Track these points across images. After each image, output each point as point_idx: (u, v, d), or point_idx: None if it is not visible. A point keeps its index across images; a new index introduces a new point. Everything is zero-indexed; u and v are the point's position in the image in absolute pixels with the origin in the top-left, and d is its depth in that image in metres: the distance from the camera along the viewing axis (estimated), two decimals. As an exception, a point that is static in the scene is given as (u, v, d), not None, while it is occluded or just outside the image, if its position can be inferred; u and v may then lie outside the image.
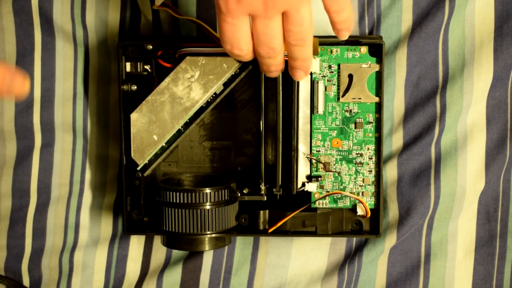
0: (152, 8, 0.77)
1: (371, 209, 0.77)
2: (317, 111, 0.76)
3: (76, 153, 0.80)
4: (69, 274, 0.82)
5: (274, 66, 0.67)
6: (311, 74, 0.76)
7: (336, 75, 0.76)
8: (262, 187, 0.76)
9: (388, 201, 0.80)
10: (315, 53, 0.68)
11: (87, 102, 0.80)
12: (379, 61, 0.75)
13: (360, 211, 0.77)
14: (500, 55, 0.79)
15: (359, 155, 0.77)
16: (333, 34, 0.77)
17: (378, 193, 0.77)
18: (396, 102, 0.79)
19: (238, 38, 0.64)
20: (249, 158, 0.77)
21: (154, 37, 0.79)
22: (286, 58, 0.67)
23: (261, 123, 0.75)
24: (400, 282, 0.82)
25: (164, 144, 0.74)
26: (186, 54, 0.73)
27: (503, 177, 0.81)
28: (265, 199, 0.76)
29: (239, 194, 0.76)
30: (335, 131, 0.77)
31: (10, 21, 0.76)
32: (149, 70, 0.77)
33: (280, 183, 0.75)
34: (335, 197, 0.77)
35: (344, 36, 0.66)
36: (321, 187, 0.77)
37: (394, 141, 0.80)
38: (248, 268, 0.82)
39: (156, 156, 0.75)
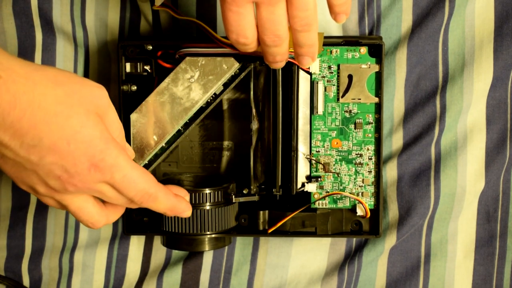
0: (152, 8, 0.77)
1: (370, 210, 0.77)
2: (317, 112, 0.76)
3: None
4: (69, 274, 0.82)
5: (279, 56, 0.66)
6: (310, 75, 0.76)
7: (336, 76, 0.76)
8: (254, 187, 0.76)
9: (388, 201, 0.80)
10: (319, 49, 0.67)
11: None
12: (379, 61, 0.75)
13: (360, 212, 0.77)
14: (500, 55, 0.79)
15: (358, 155, 0.77)
16: (333, 34, 0.78)
17: (378, 194, 0.77)
18: (396, 102, 0.79)
19: (244, 26, 0.63)
20: (249, 158, 0.77)
21: (154, 37, 0.79)
22: (291, 52, 0.67)
23: (254, 123, 0.75)
24: (400, 282, 0.82)
25: (164, 145, 0.74)
26: (186, 54, 0.73)
27: (503, 177, 0.81)
28: (257, 199, 0.76)
29: (233, 195, 0.76)
30: (335, 132, 0.77)
31: (11, 23, 0.76)
32: (149, 70, 0.77)
33: (280, 184, 0.75)
34: (334, 197, 0.77)
35: (342, 20, 0.66)
36: (321, 187, 0.77)
37: (394, 141, 0.80)
38: (248, 268, 0.82)
39: (156, 156, 0.75)
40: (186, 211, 0.69)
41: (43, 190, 0.62)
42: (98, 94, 0.61)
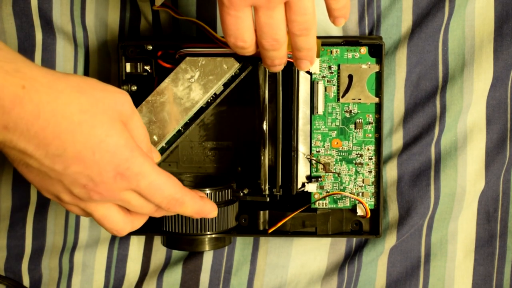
0: (152, 8, 0.77)
1: (371, 210, 0.77)
2: (317, 112, 0.76)
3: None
4: (69, 274, 0.82)
5: (278, 59, 0.66)
6: (311, 75, 0.76)
7: (336, 76, 0.76)
8: (266, 188, 0.75)
9: (388, 201, 0.80)
10: (317, 55, 0.67)
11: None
12: (379, 61, 0.75)
13: (360, 212, 0.77)
14: (500, 55, 0.79)
15: (359, 155, 0.77)
16: (333, 34, 0.78)
17: (378, 194, 0.77)
18: (396, 102, 0.79)
19: (242, 30, 0.63)
20: (249, 158, 0.77)
21: (154, 37, 0.79)
22: (289, 52, 0.67)
23: (265, 124, 0.75)
24: (400, 282, 0.82)
25: (164, 145, 0.74)
26: (186, 54, 0.73)
27: (503, 177, 0.81)
28: (268, 200, 0.76)
29: (242, 194, 0.76)
30: (335, 132, 0.77)
31: (11, 23, 0.76)
32: (149, 70, 0.77)
33: (280, 184, 0.75)
34: (335, 197, 0.77)
35: (340, 24, 0.66)
36: (321, 187, 0.77)
37: (394, 141, 0.80)
38: (248, 268, 0.82)
39: (156, 156, 0.75)
40: (212, 211, 0.69)
41: (68, 198, 0.61)
42: (121, 101, 0.61)
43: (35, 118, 0.56)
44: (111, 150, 0.59)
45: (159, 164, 0.76)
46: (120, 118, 0.60)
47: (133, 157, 0.60)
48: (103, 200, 0.62)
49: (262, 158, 0.74)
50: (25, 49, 0.76)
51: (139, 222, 0.66)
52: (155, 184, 0.62)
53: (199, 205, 0.67)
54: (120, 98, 0.61)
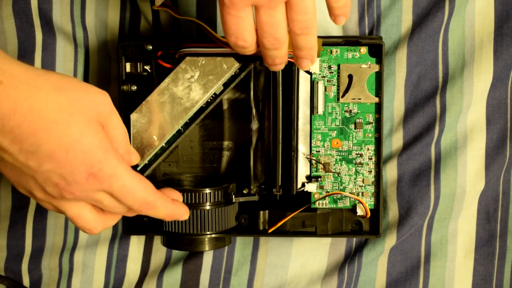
0: (152, 8, 0.77)
1: (371, 210, 0.77)
2: (317, 112, 0.76)
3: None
4: (69, 274, 0.82)
5: (279, 58, 0.66)
6: (311, 74, 0.76)
7: (336, 76, 0.76)
8: (253, 187, 0.76)
9: (388, 201, 0.80)
10: (318, 54, 0.68)
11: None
12: (379, 61, 0.75)
13: (360, 212, 0.77)
14: (500, 55, 0.79)
15: (359, 155, 0.77)
16: (333, 34, 0.78)
17: (378, 194, 0.77)
18: (396, 102, 0.79)
19: (243, 29, 0.63)
20: (249, 158, 0.77)
21: (154, 37, 0.79)
22: (290, 52, 0.67)
23: (253, 123, 0.75)
24: (400, 282, 0.82)
25: (164, 145, 0.74)
26: (186, 54, 0.73)
27: (503, 177, 0.81)
28: (257, 199, 0.76)
29: (233, 195, 0.76)
30: (335, 132, 0.77)
31: (11, 23, 0.76)
32: (149, 70, 0.77)
33: (280, 184, 0.75)
34: (335, 197, 0.77)
35: (341, 22, 0.66)
36: (321, 187, 0.77)
37: (394, 141, 0.80)
38: (248, 268, 0.82)
39: (156, 156, 0.75)
40: (183, 215, 0.69)
41: (40, 195, 0.62)
42: (101, 101, 0.61)
43: (11, 113, 0.56)
44: (84, 150, 0.59)
45: (159, 164, 0.76)
46: (97, 119, 0.60)
47: (107, 159, 0.60)
48: (75, 199, 0.62)
49: (251, 156, 0.75)
50: (25, 49, 0.77)
51: (111, 221, 0.67)
52: (128, 187, 0.62)
53: (171, 209, 0.67)
54: (99, 98, 0.61)
